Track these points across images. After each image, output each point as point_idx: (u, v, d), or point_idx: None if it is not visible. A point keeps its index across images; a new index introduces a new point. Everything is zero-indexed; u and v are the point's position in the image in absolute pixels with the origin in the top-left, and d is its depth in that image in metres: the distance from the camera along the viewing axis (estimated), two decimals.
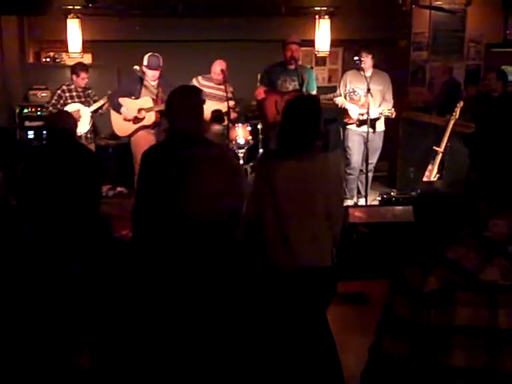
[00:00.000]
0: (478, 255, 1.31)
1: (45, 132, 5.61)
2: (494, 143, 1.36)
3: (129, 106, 6.36)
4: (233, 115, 6.68)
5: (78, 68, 6.92)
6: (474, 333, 1.29)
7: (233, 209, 1.44)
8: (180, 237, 1.43)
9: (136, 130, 6.42)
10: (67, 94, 6.88)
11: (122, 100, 6.40)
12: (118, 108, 6.41)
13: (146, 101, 6.38)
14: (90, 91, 7.04)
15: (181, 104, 3.21)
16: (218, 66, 6.71)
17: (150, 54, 6.34)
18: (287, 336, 1.41)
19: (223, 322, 1.36)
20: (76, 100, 6.91)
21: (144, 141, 5.89)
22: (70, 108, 6.76)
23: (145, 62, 6.31)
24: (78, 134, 6.70)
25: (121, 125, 6.48)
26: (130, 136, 6.47)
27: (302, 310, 1.49)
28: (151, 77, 6.33)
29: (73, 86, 6.91)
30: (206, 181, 1.41)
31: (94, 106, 6.90)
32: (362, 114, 6.44)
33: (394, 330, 1.37)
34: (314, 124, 3.19)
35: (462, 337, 1.30)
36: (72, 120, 4.45)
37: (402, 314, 1.36)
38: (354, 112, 6.55)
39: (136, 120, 6.39)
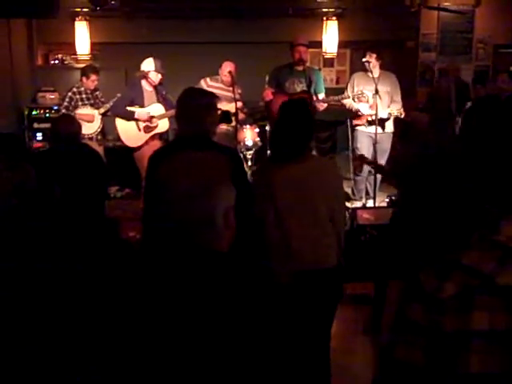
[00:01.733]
0: (493, 259, 1.29)
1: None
2: (500, 146, 1.35)
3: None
4: (241, 116, 6.68)
5: (88, 70, 6.95)
6: (491, 337, 1.28)
7: (204, 212, 1.46)
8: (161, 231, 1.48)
9: (147, 141, 6.34)
10: (77, 97, 6.90)
11: (129, 110, 6.35)
12: (129, 114, 6.31)
13: (156, 107, 6.36)
14: (97, 93, 7.07)
15: (186, 106, 3.18)
16: (227, 68, 6.72)
17: (152, 58, 6.35)
18: (283, 340, 1.41)
19: (221, 325, 1.37)
20: (86, 102, 6.93)
21: (150, 152, 5.69)
22: (83, 111, 6.80)
23: (152, 67, 6.30)
24: (89, 136, 6.76)
25: (131, 135, 6.37)
26: (139, 148, 6.35)
27: (302, 314, 1.50)
28: (157, 80, 6.34)
29: (82, 89, 6.93)
30: (178, 180, 1.46)
31: (104, 109, 6.93)
32: (371, 115, 6.44)
33: (409, 336, 1.34)
34: (306, 127, 3.17)
35: (480, 341, 1.28)
36: (76, 124, 4.48)
37: (417, 319, 1.33)
38: (365, 109, 6.54)
39: (148, 129, 6.37)
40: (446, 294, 1.30)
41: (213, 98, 3.29)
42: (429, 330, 1.31)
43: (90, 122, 6.83)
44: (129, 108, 6.33)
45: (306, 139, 3.17)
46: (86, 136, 6.67)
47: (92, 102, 6.97)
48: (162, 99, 6.39)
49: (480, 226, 1.35)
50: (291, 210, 3.08)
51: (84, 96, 6.94)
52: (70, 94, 6.88)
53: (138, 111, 6.28)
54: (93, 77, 6.89)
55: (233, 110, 6.39)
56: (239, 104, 6.56)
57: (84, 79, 6.92)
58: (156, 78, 6.34)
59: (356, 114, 6.67)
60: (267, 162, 3.25)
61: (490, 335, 1.28)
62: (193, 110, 3.14)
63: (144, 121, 6.31)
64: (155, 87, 6.40)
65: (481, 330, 1.28)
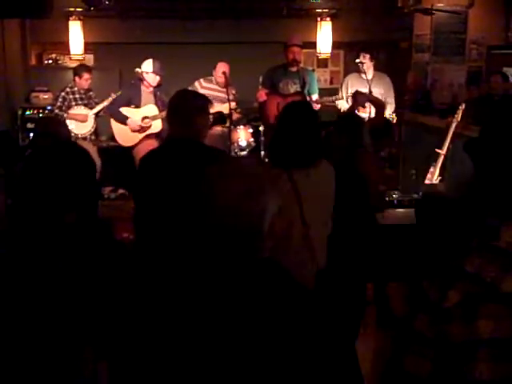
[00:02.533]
0: (496, 266, 1.28)
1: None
2: (499, 151, 1.34)
3: (132, 115, 6.35)
4: (235, 116, 6.68)
5: (80, 69, 6.95)
6: (498, 345, 1.26)
7: (250, 227, 1.43)
8: (196, 244, 1.44)
9: (142, 140, 6.38)
10: (71, 97, 6.89)
11: (124, 110, 6.37)
12: (122, 119, 6.36)
13: (150, 108, 6.37)
14: (91, 93, 7.06)
15: (178, 108, 3.17)
16: (221, 69, 6.72)
17: (151, 59, 6.34)
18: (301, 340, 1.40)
19: (225, 326, 1.36)
20: (79, 102, 6.93)
21: (145, 150, 5.75)
22: (76, 111, 6.80)
23: (150, 68, 6.31)
24: (83, 136, 6.75)
25: (125, 135, 6.40)
26: (135, 146, 6.40)
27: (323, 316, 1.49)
28: (155, 82, 6.35)
29: (76, 89, 6.92)
30: (225, 196, 1.42)
31: (97, 108, 6.92)
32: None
33: (416, 347, 1.32)
34: (318, 130, 3.19)
35: (487, 349, 1.26)
36: (63, 127, 4.45)
37: (423, 331, 1.31)
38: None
39: (141, 129, 6.37)
40: (450, 302, 1.28)
41: (205, 100, 3.28)
42: (436, 341, 1.29)
43: (84, 122, 6.83)
44: (124, 110, 6.34)
45: (320, 142, 3.20)
46: (80, 136, 6.67)
47: (85, 102, 6.96)
48: (159, 101, 6.40)
49: (479, 233, 1.34)
50: (313, 212, 3.08)
51: (77, 96, 6.92)
52: (63, 93, 6.87)
53: (129, 120, 6.32)
54: (85, 75, 6.88)
55: (226, 111, 6.40)
56: (233, 105, 6.57)
57: (77, 79, 6.91)
58: (153, 80, 6.35)
59: None
60: (281, 165, 3.10)
61: (497, 343, 1.26)
62: (185, 112, 3.12)
63: (132, 130, 6.33)
64: (153, 88, 6.41)
65: (487, 338, 1.26)
